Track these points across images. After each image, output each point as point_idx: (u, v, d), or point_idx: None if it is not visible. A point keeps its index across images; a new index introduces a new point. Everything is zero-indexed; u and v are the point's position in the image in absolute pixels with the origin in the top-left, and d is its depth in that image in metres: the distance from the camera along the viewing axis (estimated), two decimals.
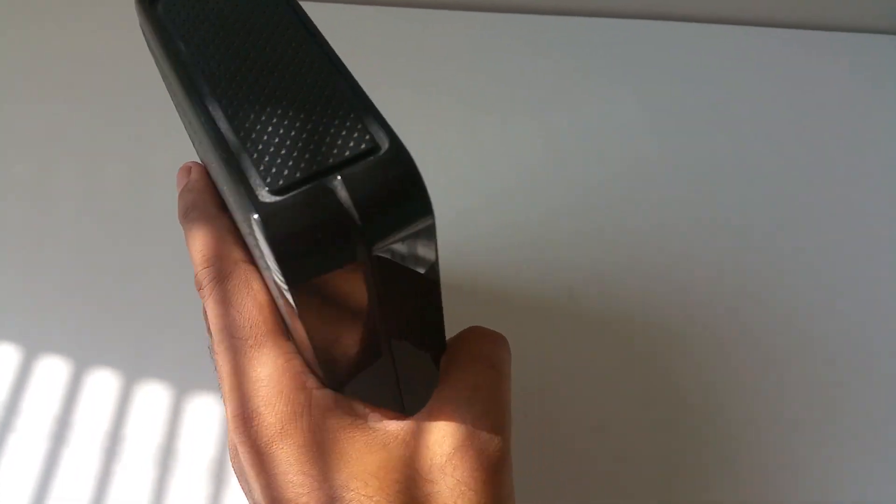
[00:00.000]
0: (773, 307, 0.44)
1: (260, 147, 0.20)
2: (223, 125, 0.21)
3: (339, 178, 0.19)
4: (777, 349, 0.42)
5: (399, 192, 0.20)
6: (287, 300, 0.21)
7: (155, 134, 0.48)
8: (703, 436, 0.39)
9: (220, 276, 0.24)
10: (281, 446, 0.22)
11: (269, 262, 0.20)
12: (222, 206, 0.26)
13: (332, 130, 0.20)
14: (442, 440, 0.22)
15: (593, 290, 0.44)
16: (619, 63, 0.55)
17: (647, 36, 0.57)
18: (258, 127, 0.21)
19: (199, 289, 0.25)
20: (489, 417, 0.23)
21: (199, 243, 0.25)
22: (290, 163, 0.20)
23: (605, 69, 0.54)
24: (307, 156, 0.20)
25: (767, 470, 0.38)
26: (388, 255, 0.21)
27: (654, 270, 0.45)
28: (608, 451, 0.38)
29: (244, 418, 0.22)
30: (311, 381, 0.23)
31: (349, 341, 0.24)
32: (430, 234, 0.21)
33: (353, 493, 0.21)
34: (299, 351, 0.24)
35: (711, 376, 0.41)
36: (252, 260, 0.24)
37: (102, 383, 0.39)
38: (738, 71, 0.55)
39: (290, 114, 0.21)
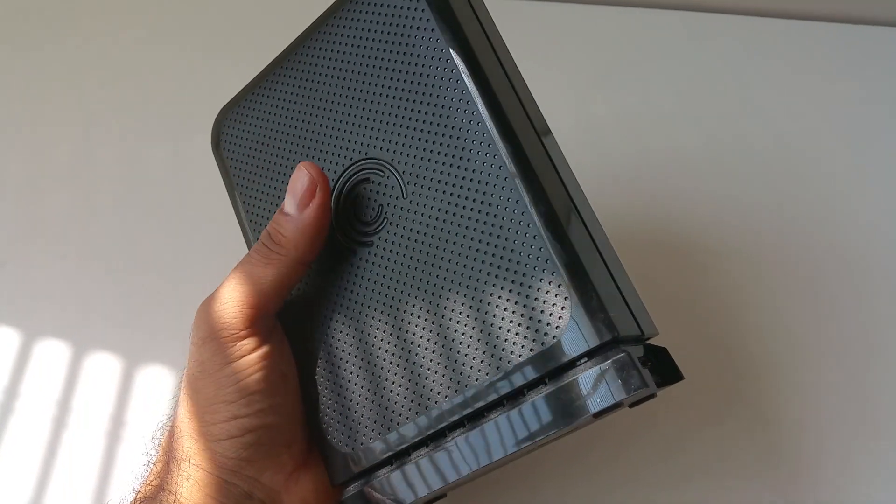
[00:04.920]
0: (805, 299, 0.42)
1: None
2: None
3: None
4: (811, 342, 0.41)
5: None
6: None
7: (193, 149, 0.49)
8: (712, 438, 0.38)
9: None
10: None
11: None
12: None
13: None
14: None
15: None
16: (652, 54, 0.54)
17: (681, 27, 0.55)
18: None
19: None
20: None
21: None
22: None
23: (637, 59, 0.53)
24: None
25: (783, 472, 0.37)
26: None
27: (697, 260, 0.44)
28: (626, 452, 0.37)
29: None
30: None
31: None
32: None
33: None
34: None
35: (746, 371, 0.40)
36: None
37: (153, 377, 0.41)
38: (774, 63, 0.53)
39: None
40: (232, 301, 0.28)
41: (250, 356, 0.28)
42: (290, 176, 0.30)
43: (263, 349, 0.29)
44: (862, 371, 0.39)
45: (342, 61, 0.31)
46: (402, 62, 0.29)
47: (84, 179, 0.48)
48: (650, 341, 0.27)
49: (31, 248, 0.46)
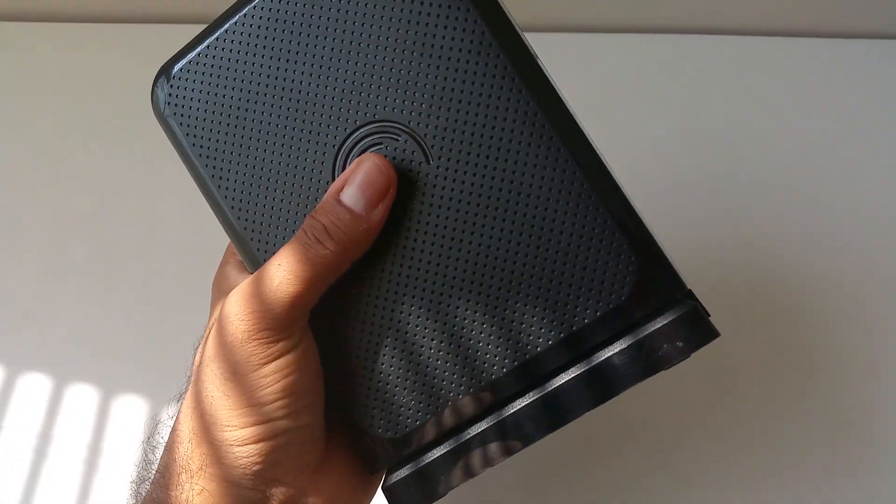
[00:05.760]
0: (806, 314, 0.43)
1: None
2: None
3: None
4: (815, 353, 0.42)
5: None
6: None
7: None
8: (726, 442, 0.39)
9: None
10: None
11: None
12: None
13: None
14: None
15: None
16: (646, 77, 0.55)
17: (673, 49, 0.57)
18: None
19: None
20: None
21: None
22: None
23: (631, 84, 0.54)
24: None
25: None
26: None
27: (693, 282, 0.44)
28: (643, 455, 0.38)
29: None
30: None
31: None
32: None
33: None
34: None
35: (754, 391, 0.41)
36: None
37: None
38: (769, 81, 0.55)
39: None
40: (278, 296, 0.26)
41: (290, 355, 0.26)
42: (277, 143, 0.28)
43: (302, 346, 0.27)
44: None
45: (339, 3, 0.27)
46: (419, 12, 0.26)
47: (103, 230, 0.49)
48: None
49: (54, 297, 0.47)
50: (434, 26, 0.26)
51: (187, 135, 0.29)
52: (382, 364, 0.28)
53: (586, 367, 0.25)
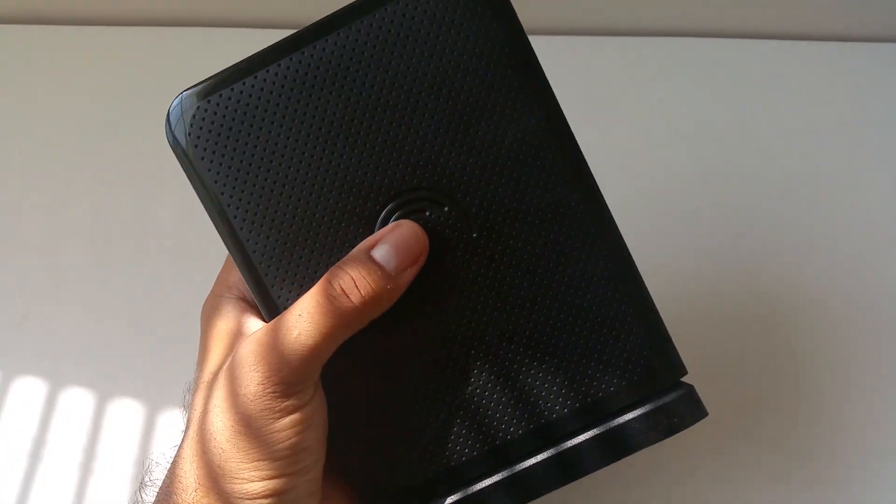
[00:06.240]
0: (805, 314, 0.44)
1: None
2: None
3: None
4: (808, 355, 0.42)
5: None
6: None
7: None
8: (737, 446, 0.39)
9: None
10: None
11: None
12: None
13: None
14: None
15: None
16: (644, 81, 0.55)
17: (672, 53, 0.57)
18: None
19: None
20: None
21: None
22: None
23: (629, 86, 0.55)
24: None
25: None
26: None
27: (694, 287, 0.45)
28: (649, 462, 0.38)
29: None
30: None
31: None
32: None
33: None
34: None
35: (747, 391, 0.41)
36: None
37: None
38: (767, 84, 0.55)
39: None
40: (296, 349, 0.25)
41: (306, 409, 0.26)
42: (316, 192, 0.27)
43: (316, 400, 0.26)
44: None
45: (392, 63, 0.26)
46: (469, 81, 0.26)
47: (100, 234, 0.49)
48: None
49: (51, 300, 0.47)
50: (503, 113, 0.27)
51: (210, 167, 0.27)
52: (391, 420, 0.28)
53: (597, 433, 0.28)
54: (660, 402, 0.27)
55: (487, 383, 0.27)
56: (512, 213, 0.27)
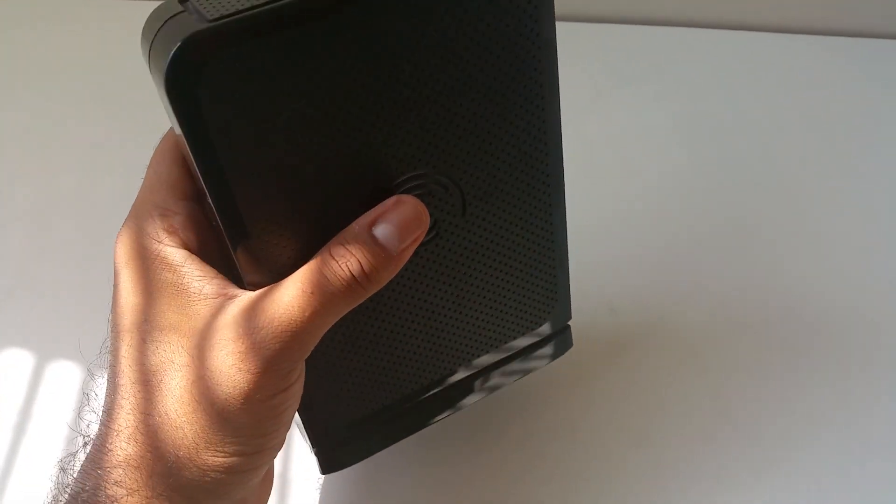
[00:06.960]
0: (807, 312, 0.43)
1: None
2: None
3: None
4: (817, 357, 0.42)
5: None
6: None
7: None
8: (746, 446, 0.38)
9: None
10: None
11: None
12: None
13: None
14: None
15: (633, 303, 0.44)
16: (644, 70, 0.56)
17: (671, 43, 0.57)
18: None
19: None
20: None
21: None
22: None
23: (629, 76, 0.55)
24: None
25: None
26: None
27: (692, 280, 0.45)
28: (652, 465, 0.38)
29: None
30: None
31: None
32: None
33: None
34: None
35: (755, 387, 0.40)
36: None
37: None
38: (768, 77, 0.56)
39: None
40: (308, 332, 0.25)
41: (298, 384, 0.26)
42: (325, 160, 0.25)
43: (302, 376, 0.26)
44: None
45: (425, 49, 0.25)
46: (494, 77, 0.27)
47: (90, 206, 0.49)
48: None
49: (38, 275, 0.47)
50: (504, 104, 0.28)
51: (213, 121, 0.24)
52: (351, 358, 0.30)
53: (510, 361, 0.35)
54: (552, 338, 0.36)
55: (432, 333, 0.32)
56: (503, 202, 0.30)
